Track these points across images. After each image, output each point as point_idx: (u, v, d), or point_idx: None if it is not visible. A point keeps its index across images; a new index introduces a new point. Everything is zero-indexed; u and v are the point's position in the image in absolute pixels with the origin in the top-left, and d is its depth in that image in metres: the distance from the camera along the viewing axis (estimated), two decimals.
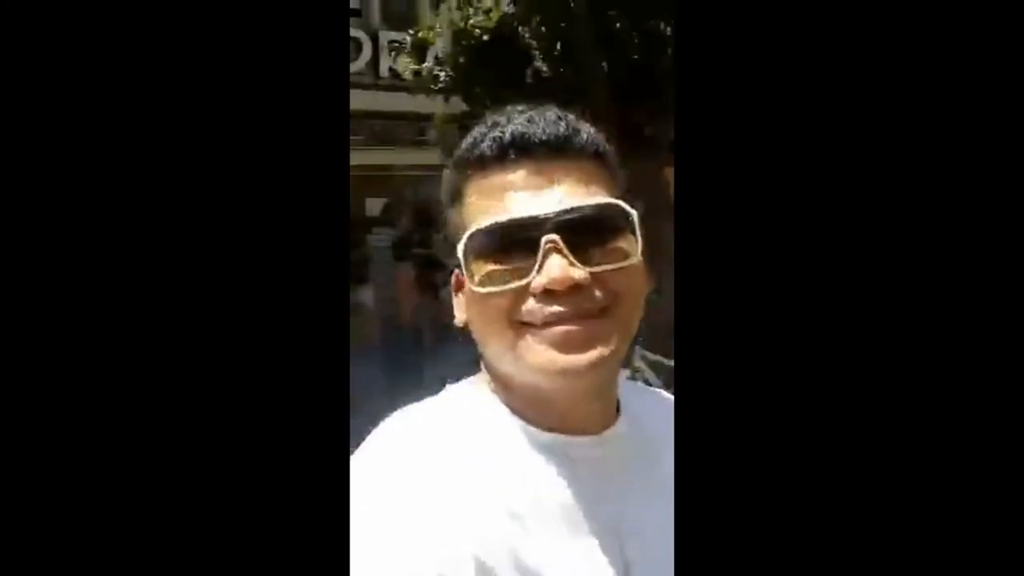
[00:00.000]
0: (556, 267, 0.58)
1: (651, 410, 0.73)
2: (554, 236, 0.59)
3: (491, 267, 0.61)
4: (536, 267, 0.59)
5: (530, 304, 0.60)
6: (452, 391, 0.69)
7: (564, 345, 0.59)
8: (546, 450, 0.64)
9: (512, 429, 0.65)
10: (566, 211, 0.59)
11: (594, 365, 0.60)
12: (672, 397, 0.77)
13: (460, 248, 0.62)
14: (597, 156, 0.64)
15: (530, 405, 0.65)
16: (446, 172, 0.67)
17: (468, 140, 0.65)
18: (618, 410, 0.70)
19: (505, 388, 0.66)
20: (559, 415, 0.64)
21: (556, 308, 0.59)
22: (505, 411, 0.66)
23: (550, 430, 0.64)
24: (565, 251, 0.59)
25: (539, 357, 0.60)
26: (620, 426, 0.68)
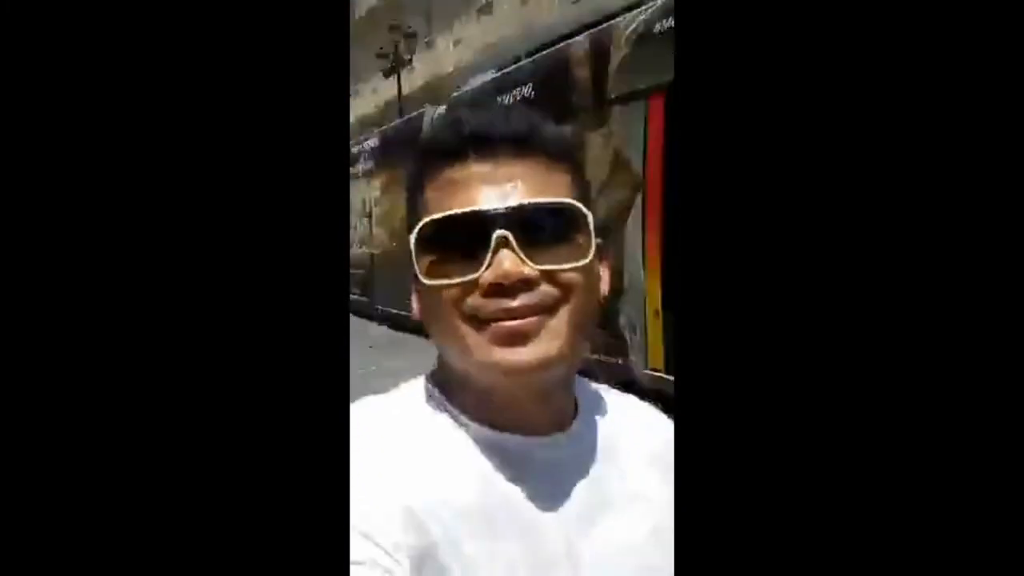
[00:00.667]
0: (505, 262, 0.58)
1: (613, 414, 0.72)
2: (505, 232, 0.58)
3: (441, 259, 0.61)
4: (486, 262, 0.58)
5: (477, 299, 0.59)
6: (404, 386, 0.69)
7: (509, 342, 0.59)
8: (488, 448, 0.63)
9: (454, 425, 0.64)
10: (520, 208, 0.59)
11: (539, 363, 0.59)
12: (637, 400, 0.77)
13: (412, 238, 0.62)
14: (559, 155, 0.64)
15: (478, 401, 0.64)
16: (411, 159, 0.67)
17: (429, 129, 0.66)
18: (577, 412, 0.69)
19: (455, 382, 0.65)
20: (506, 412, 0.64)
21: (503, 304, 0.59)
22: (448, 405, 0.65)
23: (497, 428, 0.64)
24: (515, 247, 0.58)
25: (484, 353, 0.59)
26: (574, 429, 0.67)
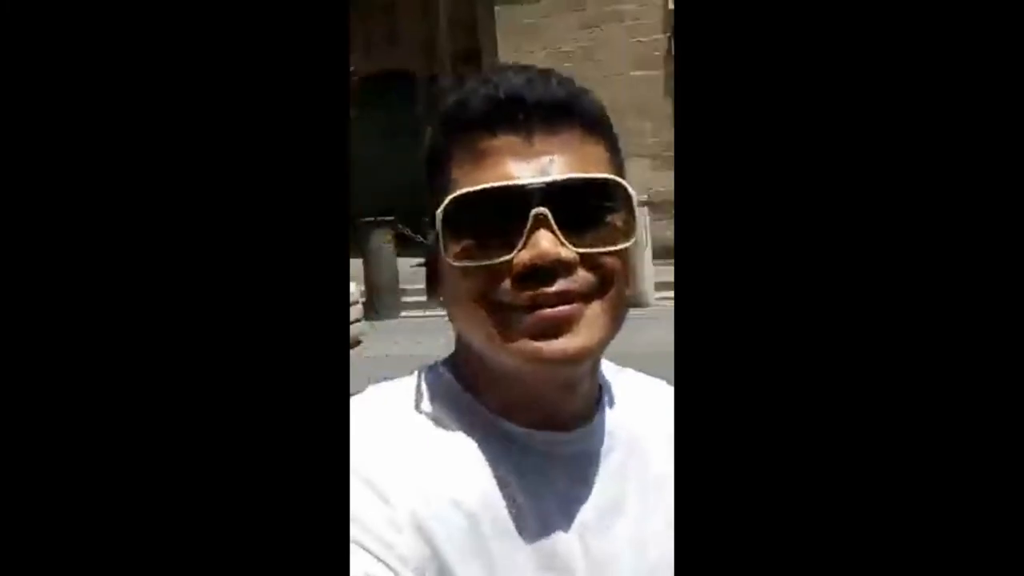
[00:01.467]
0: (543, 242, 0.53)
1: (637, 398, 0.68)
2: (543, 209, 0.53)
3: (470, 239, 0.55)
4: (521, 242, 0.54)
5: (510, 284, 0.54)
6: (417, 372, 0.64)
7: (547, 331, 0.54)
8: (508, 443, 0.59)
9: (472, 417, 0.60)
10: (559, 183, 0.54)
11: (576, 354, 0.55)
12: (662, 382, 0.72)
13: (438, 215, 0.56)
14: (598, 127, 0.59)
15: (500, 392, 0.60)
16: (429, 129, 0.61)
17: (456, 96, 0.59)
18: (600, 401, 0.65)
19: (476, 371, 0.61)
20: (530, 405, 0.60)
21: (540, 289, 0.54)
22: (469, 398, 0.61)
23: (518, 421, 0.60)
24: (554, 226, 0.53)
25: (519, 343, 0.55)
26: (597, 419, 0.63)
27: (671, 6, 9.97)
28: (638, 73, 9.24)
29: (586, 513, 0.60)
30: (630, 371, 0.72)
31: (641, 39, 9.69)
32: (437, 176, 0.59)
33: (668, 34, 9.93)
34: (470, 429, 0.60)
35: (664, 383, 0.72)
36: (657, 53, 9.53)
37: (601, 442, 0.63)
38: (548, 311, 0.54)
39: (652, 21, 9.81)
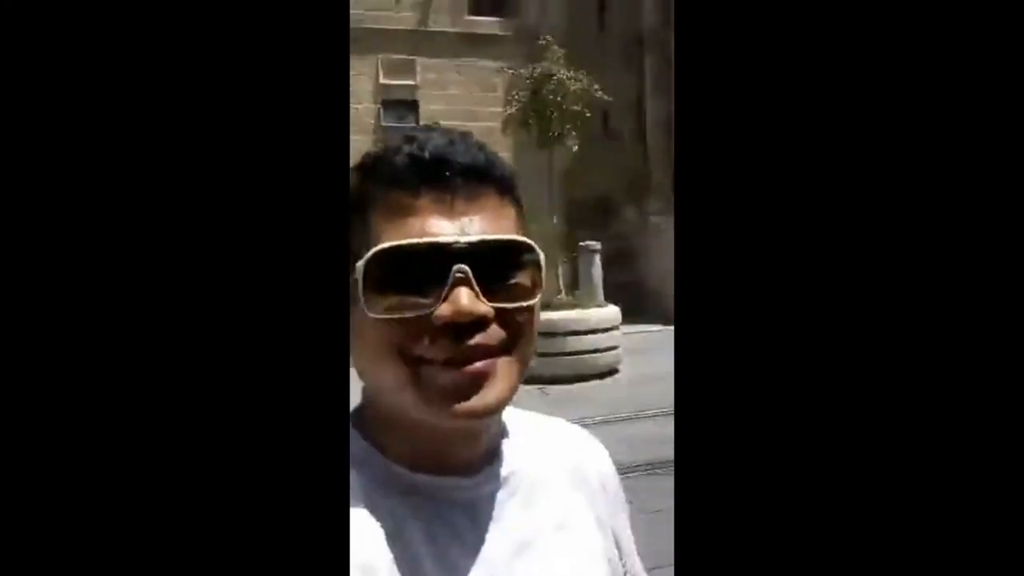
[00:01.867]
0: (463, 299, 0.55)
1: (539, 440, 0.70)
2: (464, 266, 0.55)
3: (391, 293, 0.56)
4: (442, 297, 0.55)
5: (430, 339, 0.56)
6: None
7: (463, 387, 0.56)
8: (410, 490, 0.60)
9: (373, 469, 0.60)
10: (479, 243, 0.57)
11: (493, 408, 0.57)
12: (564, 423, 0.75)
13: (360, 267, 0.56)
14: (509, 191, 0.62)
15: (405, 442, 0.60)
16: (352, 180, 0.61)
17: (379, 152, 0.60)
18: (500, 445, 0.66)
19: (381, 422, 0.61)
20: (434, 454, 0.60)
21: (459, 344, 0.56)
22: (369, 448, 0.61)
23: (420, 469, 0.60)
24: (474, 284, 0.56)
25: (439, 397, 0.56)
26: (497, 464, 0.65)
27: (382, 80, 10.38)
28: (354, 137, 9.37)
29: (491, 555, 0.61)
30: (533, 414, 0.74)
31: (355, 106, 9.89)
32: (356, 226, 0.58)
33: (378, 104, 10.28)
34: (367, 480, 0.59)
35: (565, 423, 0.76)
36: (369, 120, 9.78)
37: (503, 485, 0.65)
38: (467, 368, 0.56)
39: (365, 89, 10.10)
